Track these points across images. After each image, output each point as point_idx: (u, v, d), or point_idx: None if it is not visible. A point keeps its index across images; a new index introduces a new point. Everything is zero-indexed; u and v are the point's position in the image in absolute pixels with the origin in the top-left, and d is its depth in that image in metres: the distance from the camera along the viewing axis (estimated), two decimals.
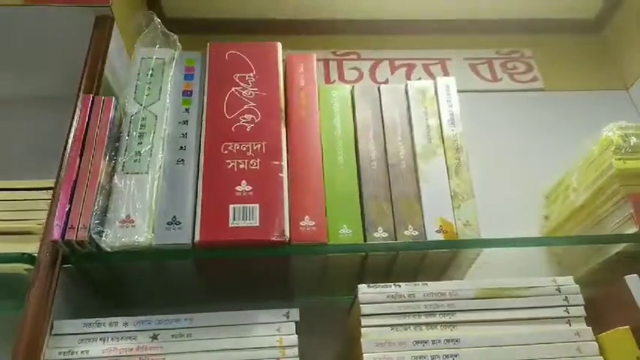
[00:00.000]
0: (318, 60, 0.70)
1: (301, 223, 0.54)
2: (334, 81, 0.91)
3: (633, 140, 0.57)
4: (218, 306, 0.52)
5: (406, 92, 0.67)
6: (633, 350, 0.49)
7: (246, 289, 0.61)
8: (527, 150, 0.86)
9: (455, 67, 0.94)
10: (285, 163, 0.58)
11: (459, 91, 0.67)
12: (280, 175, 0.57)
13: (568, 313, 0.53)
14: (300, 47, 0.75)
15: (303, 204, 0.56)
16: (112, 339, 0.48)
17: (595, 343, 0.51)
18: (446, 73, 0.93)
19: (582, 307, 0.54)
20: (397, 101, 0.67)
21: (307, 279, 0.61)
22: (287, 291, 0.64)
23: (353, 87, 0.67)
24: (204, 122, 0.60)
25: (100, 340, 0.49)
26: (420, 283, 0.54)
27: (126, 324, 0.50)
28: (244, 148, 0.58)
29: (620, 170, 0.58)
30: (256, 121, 0.60)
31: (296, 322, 0.51)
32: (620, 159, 0.58)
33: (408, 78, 0.93)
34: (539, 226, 0.76)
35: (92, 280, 0.58)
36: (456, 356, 0.50)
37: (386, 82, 0.92)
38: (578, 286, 0.55)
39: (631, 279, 0.51)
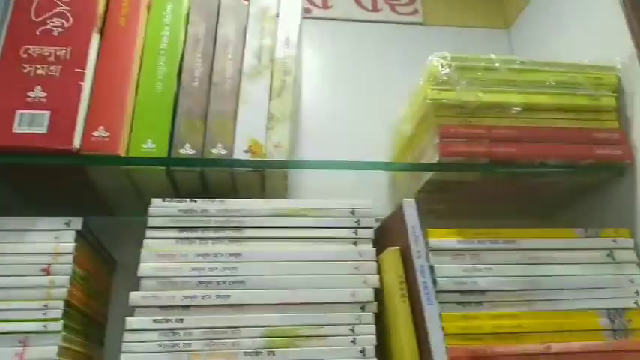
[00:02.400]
0: None
1: (94, 134, 0.53)
2: None
3: (447, 71, 0.57)
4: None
5: (248, 10, 0.65)
6: (397, 269, 0.52)
7: (59, 202, 0.60)
8: (397, 82, 0.87)
9: None
10: (90, 72, 0.56)
11: (338, 19, 0.66)
12: (80, 83, 0.54)
13: (356, 234, 0.56)
14: None
15: (101, 115, 0.54)
16: None
17: (375, 262, 0.54)
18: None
19: (371, 229, 0.56)
20: (236, 18, 0.64)
21: (118, 194, 0.61)
22: (105, 206, 0.64)
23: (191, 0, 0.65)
24: (6, 23, 0.56)
25: None
26: (218, 200, 0.55)
27: None
28: (47, 53, 0.55)
29: (433, 100, 0.58)
30: (66, 25, 0.57)
31: (77, 231, 0.51)
32: (434, 89, 0.58)
33: None
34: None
35: None
36: (234, 268, 0.52)
37: None
38: (371, 210, 0.57)
39: (407, 203, 0.53)
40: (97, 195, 0.61)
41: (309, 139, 0.80)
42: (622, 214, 0.62)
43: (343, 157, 0.62)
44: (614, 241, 0.59)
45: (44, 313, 0.47)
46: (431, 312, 0.48)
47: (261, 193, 0.64)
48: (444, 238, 0.57)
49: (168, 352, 0.48)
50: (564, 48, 0.73)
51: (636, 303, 0.56)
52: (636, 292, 0.57)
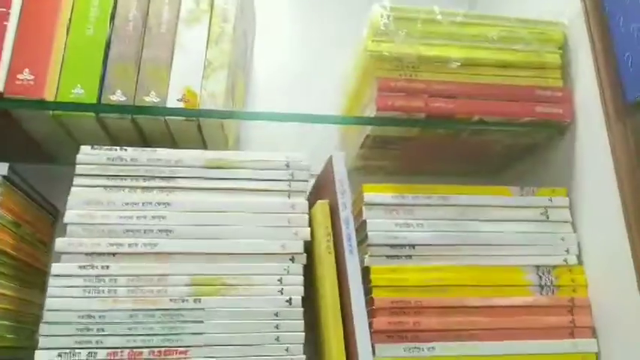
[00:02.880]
0: None
1: (19, 76, 0.52)
2: None
3: (386, 21, 0.55)
4: None
5: None
6: (325, 221, 0.52)
7: None
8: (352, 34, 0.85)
9: None
10: (15, 12, 0.53)
11: None
12: (5, 23, 0.52)
13: (290, 187, 0.55)
14: None
15: (26, 57, 0.52)
16: None
17: (306, 215, 0.54)
18: None
19: (305, 182, 0.56)
20: None
21: (53, 142, 0.60)
22: (44, 154, 0.63)
23: None
24: None
25: None
26: (149, 149, 0.54)
27: None
28: None
29: (372, 52, 0.57)
30: None
31: (3, 176, 0.51)
32: (374, 41, 0.57)
33: None
34: None
35: None
36: (163, 217, 0.52)
37: None
38: (308, 164, 0.56)
39: (336, 156, 0.53)
40: (33, 142, 0.60)
41: (261, 92, 0.79)
42: (562, 173, 0.62)
43: (296, 111, 0.62)
44: (550, 200, 0.60)
45: None
46: (352, 263, 0.48)
47: (203, 146, 0.63)
48: (379, 193, 0.57)
49: (93, 297, 0.48)
50: (517, 6, 0.71)
51: (565, 261, 0.58)
52: (566, 251, 0.58)
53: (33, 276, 0.60)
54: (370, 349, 0.47)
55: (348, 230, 0.49)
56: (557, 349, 0.54)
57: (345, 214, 0.50)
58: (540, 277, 0.57)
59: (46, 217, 0.63)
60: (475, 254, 0.56)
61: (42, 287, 0.63)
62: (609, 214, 0.53)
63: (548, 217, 0.59)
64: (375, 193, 0.57)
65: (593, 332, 0.55)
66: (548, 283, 0.57)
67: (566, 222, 0.59)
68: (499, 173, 0.74)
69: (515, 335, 0.54)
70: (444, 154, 0.67)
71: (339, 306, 0.49)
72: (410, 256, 0.55)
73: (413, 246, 0.56)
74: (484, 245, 0.56)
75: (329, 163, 0.53)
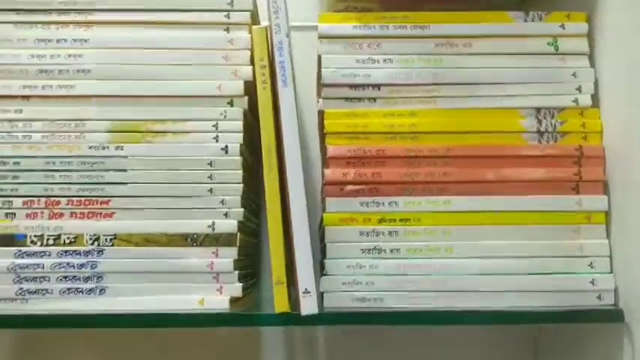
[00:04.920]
0: None
1: None
2: None
3: None
4: None
5: None
6: (261, 50, 0.42)
7: None
8: None
9: None
10: None
11: None
12: None
13: (229, 18, 0.46)
14: None
15: None
16: None
17: (248, 51, 0.45)
18: None
19: (248, 13, 0.46)
20: None
21: None
22: None
23: None
24: None
25: None
26: None
27: None
28: None
29: None
30: None
31: None
32: None
33: None
34: None
35: None
36: (80, 56, 0.45)
37: None
38: None
39: None
40: None
41: None
42: None
43: None
44: (562, 26, 0.47)
45: None
46: (286, 97, 0.40)
47: None
48: (338, 23, 0.46)
49: (6, 143, 0.44)
50: None
51: (576, 101, 0.46)
52: (578, 89, 0.46)
53: None
54: (304, 205, 0.39)
55: (282, 58, 0.40)
56: (554, 206, 0.44)
57: (279, 37, 0.40)
58: (540, 121, 0.46)
59: None
60: (455, 95, 0.45)
61: None
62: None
63: (557, 49, 0.46)
64: (334, 24, 0.46)
65: (604, 188, 0.45)
66: (550, 129, 0.45)
67: (582, 54, 0.46)
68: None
69: (498, 189, 0.44)
70: None
71: (274, 150, 0.41)
72: (374, 99, 0.46)
73: (378, 86, 0.46)
74: (467, 84, 0.46)
75: None
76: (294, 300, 0.40)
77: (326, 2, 0.55)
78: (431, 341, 0.58)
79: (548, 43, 0.46)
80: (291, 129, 0.39)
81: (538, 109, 0.46)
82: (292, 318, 0.38)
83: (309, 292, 0.37)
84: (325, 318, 0.39)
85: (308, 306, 0.37)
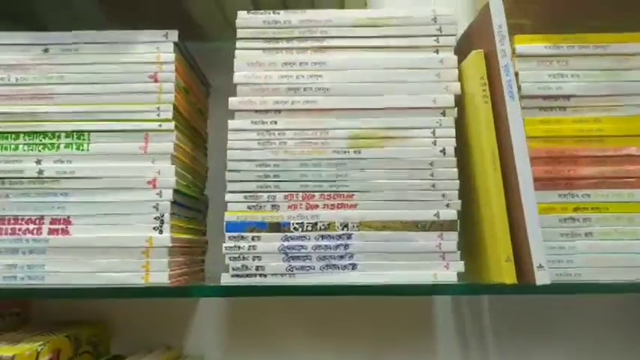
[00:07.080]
0: None
1: None
2: None
3: None
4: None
5: None
6: (480, 71, 0.52)
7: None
8: None
9: None
10: None
11: None
12: None
13: (438, 42, 0.55)
14: None
15: None
16: (9, 51, 0.54)
17: (456, 70, 0.55)
18: None
19: (453, 37, 0.55)
20: None
21: (206, 17, 0.63)
22: (194, 31, 0.67)
23: None
24: None
25: None
26: (300, 10, 0.56)
27: (22, 38, 0.55)
28: None
29: None
30: None
31: (174, 43, 0.55)
32: None
33: None
34: None
35: None
36: (320, 76, 0.55)
37: None
38: (455, 18, 0.55)
39: (494, 2, 0.51)
40: (184, 18, 0.64)
41: None
42: None
43: None
44: None
45: (158, 115, 0.53)
46: (513, 108, 0.49)
47: (340, 6, 0.64)
48: (531, 44, 0.55)
49: (266, 149, 0.54)
50: None
51: None
52: None
53: (198, 139, 0.67)
54: (533, 196, 0.49)
55: (509, 77, 0.49)
56: None
57: (505, 61, 0.49)
58: None
59: (202, 88, 0.69)
60: (632, 104, 0.54)
61: (204, 151, 0.71)
62: None
63: None
64: (528, 44, 0.55)
65: None
66: None
67: None
68: None
69: None
70: (594, 6, 0.62)
71: (497, 153, 0.50)
72: (564, 108, 0.55)
73: (568, 97, 0.55)
74: None
75: (484, 10, 0.52)
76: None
77: None
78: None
79: None
80: (519, 134, 0.48)
81: None
82: (529, 287, 0.47)
83: (542, 267, 0.46)
84: (553, 288, 0.48)
85: (542, 277, 0.46)
